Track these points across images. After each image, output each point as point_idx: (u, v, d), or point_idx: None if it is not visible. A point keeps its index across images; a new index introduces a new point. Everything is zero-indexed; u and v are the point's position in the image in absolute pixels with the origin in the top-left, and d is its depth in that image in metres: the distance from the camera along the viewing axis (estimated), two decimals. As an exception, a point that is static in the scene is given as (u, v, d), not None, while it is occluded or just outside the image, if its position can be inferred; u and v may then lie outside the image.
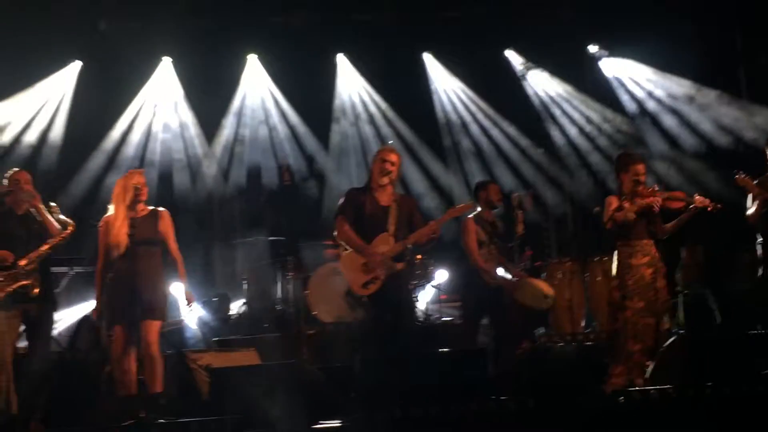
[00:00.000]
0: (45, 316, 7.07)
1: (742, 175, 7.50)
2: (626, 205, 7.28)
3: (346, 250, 7.26)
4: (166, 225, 7.08)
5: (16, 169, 7.25)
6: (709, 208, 7.23)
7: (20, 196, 6.98)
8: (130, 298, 6.78)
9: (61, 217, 7.10)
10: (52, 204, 7.14)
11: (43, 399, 6.95)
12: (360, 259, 7.06)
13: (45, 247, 6.94)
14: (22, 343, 7.17)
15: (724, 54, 11.72)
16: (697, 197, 7.31)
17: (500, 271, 8.27)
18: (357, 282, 7.06)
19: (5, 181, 7.09)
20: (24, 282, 6.84)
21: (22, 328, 7.02)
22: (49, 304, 7.13)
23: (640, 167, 7.43)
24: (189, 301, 7.24)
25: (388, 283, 7.01)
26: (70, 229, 7.07)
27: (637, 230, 7.31)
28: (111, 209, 6.99)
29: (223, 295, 10.88)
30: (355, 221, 7.16)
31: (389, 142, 8.00)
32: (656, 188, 7.41)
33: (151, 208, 7.12)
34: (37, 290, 6.87)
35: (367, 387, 6.40)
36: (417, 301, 9.69)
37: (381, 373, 6.43)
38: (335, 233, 7.30)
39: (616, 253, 7.41)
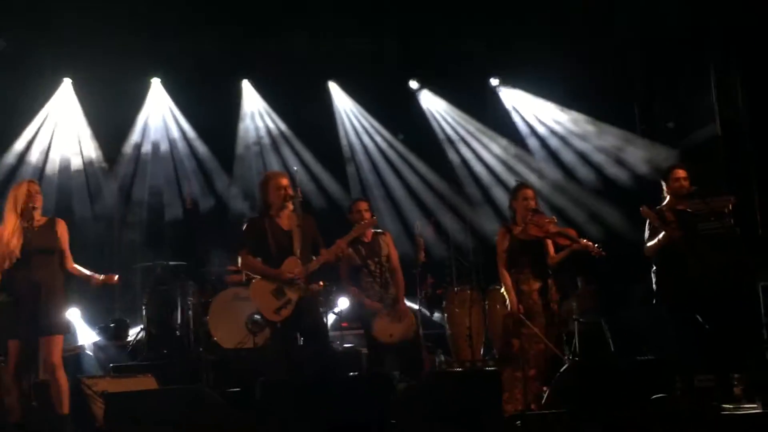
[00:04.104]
0: None
1: (646, 208, 7.71)
2: (517, 231, 7.55)
3: (252, 278, 7.26)
4: (63, 233, 6.97)
5: None
6: (592, 253, 7.55)
7: None
8: (28, 312, 6.63)
9: None
10: None
11: None
12: (270, 286, 7.04)
13: None
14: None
15: (620, 90, 12.14)
16: (584, 241, 7.66)
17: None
18: (269, 308, 7.02)
19: None
20: None
21: None
22: None
23: (529, 192, 7.80)
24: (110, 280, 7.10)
25: (300, 307, 7.00)
26: None
27: (527, 258, 7.56)
28: (3, 219, 6.85)
29: (120, 320, 10.69)
30: (259, 250, 7.15)
31: (294, 169, 8.01)
32: (554, 220, 7.69)
33: (48, 217, 6.99)
34: None
35: (269, 411, 6.34)
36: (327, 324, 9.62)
37: (286, 398, 6.38)
38: (240, 265, 7.30)
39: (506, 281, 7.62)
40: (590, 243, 7.65)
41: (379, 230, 8.55)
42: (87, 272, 7.01)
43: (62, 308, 6.93)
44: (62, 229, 6.98)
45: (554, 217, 7.86)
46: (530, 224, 7.59)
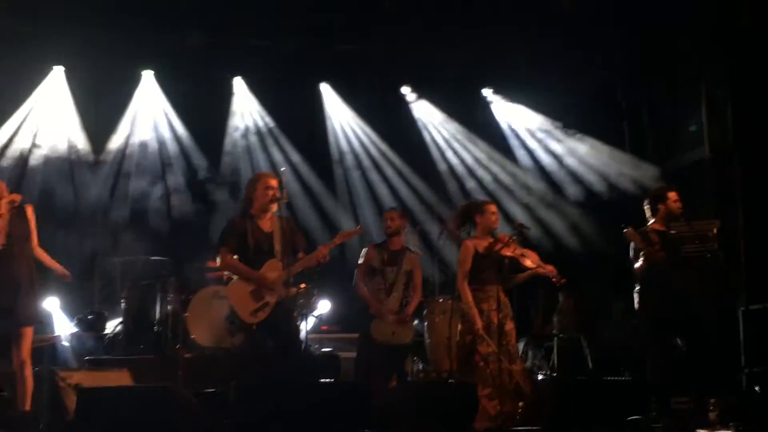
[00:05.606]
0: None
1: (631, 230, 7.71)
2: (481, 246, 7.58)
3: (231, 277, 7.24)
4: (32, 219, 6.88)
5: None
6: (553, 279, 7.61)
7: None
8: (6, 303, 6.56)
9: None
10: None
11: None
12: (248, 287, 7.00)
13: None
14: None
15: (610, 107, 12.21)
16: (548, 267, 7.66)
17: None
18: (246, 310, 6.97)
19: None
20: None
21: None
22: None
23: (492, 207, 7.89)
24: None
25: (277, 310, 6.97)
26: None
27: (488, 276, 7.55)
28: None
29: (99, 313, 10.61)
30: (238, 250, 7.11)
31: (282, 170, 7.94)
32: (513, 239, 7.67)
33: (12, 205, 6.82)
34: None
35: (242, 414, 6.30)
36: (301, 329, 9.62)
37: (258, 400, 6.35)
38: (219, 264, 7.26)
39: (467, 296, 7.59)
40: (553, 269, 7.66)
41: (412, 249, 8.82)
42: (51, 261, 6.99)
43: (37, 299, 6.89)
44: (31, 214, 6.88)
45: (514, 237, 7.79)
46: (496, 242, 7.60)
